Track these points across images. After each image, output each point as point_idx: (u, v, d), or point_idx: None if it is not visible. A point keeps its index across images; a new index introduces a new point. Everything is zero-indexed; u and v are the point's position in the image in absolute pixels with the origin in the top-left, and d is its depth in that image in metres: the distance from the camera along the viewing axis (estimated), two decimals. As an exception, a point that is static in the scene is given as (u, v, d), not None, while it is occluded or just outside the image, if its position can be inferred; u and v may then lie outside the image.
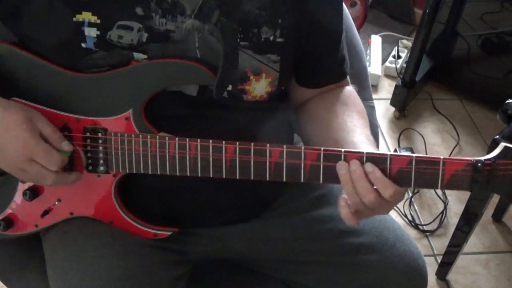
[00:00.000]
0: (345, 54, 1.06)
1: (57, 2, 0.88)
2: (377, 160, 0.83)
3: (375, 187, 0.83)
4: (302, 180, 0.87)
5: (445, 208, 2.02)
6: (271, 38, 0.94)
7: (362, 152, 0.83)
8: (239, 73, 0.94)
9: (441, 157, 0.82)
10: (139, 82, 0.90)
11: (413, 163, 0.82)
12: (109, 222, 0.97)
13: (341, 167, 0.83)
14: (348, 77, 1.09)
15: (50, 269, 0.96)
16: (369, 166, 0.82)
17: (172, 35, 0.90)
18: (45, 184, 0.91)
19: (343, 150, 0.84)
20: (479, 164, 0.81)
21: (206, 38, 0.91)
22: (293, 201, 1.09)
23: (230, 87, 0.94)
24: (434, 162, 0.82)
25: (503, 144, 0.82)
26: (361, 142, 0.92)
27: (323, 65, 1.04)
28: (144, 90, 0.91)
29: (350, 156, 0.84)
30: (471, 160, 0.81)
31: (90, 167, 0.94)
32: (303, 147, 0.86)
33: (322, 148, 0.85)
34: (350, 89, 1.08)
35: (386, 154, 0.83)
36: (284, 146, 0.86)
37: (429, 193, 2.09)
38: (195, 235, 1.05)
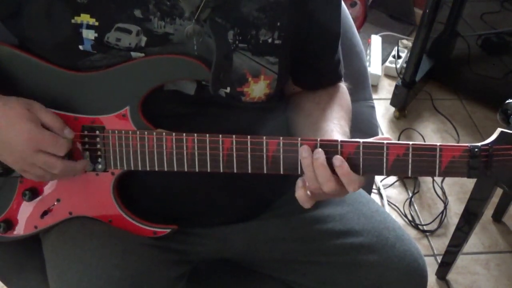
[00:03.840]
0: (340, 57, 1.07)
1: (57, 3, 0.88)
2: (374, 147, 0.84)
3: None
4: (299, 172, 0.87)
5: (445, 208, 2.02)
6: (269, 40, 0.94)
7: (359, 141, 0.84)
8: (238, 75, 0.94)
9: (438, 144, 0.82)
10: (135, 79, 0.91)
11: (410, 150, 0.83)
12: (108, 221, 0.97)
13: (303, 151, 0.84)
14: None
15: (50, 269, 0.96)
16: (337, 160, 0.83)
17: (171, 38, 0.90)
18: (53, 173, 0.90)
19: (339, 140, 0.85)
20: (476, 150, 0.81)
21: (205, 40, 0.91)
22: (293, 201, 1.07)
23: (228, 89, 0.94)
24: (430, 149, 0.82)
25: (499, 129, 0.82)
26: (332, 131, 0.93)
27: (320, 67, 1.05)
28: (140, 86, 0.91)
29: (346, 146, 0.84)
30: (468, 146, 0.82)
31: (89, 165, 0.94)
32: (299, 139, 0.86)
33: (319, 139, 0.85)
34: (341, 85, 1.09)
35: (383, 143, 0.83)
36: (281, 138, 0.86)
37: (429, 193, 2.09)
38: (194, 235, 1.05)
